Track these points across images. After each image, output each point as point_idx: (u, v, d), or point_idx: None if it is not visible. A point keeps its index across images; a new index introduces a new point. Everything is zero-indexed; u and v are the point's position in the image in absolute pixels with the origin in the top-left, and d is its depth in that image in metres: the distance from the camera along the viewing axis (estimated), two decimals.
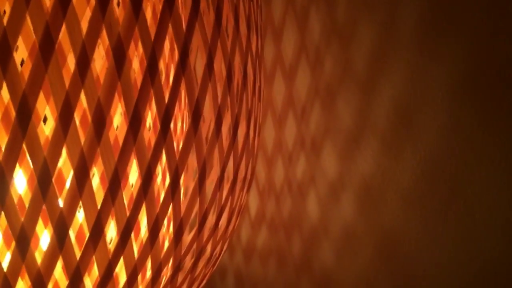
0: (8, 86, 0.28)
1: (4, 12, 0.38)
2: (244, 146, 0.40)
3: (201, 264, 0.40)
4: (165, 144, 0.33)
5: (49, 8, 0.29)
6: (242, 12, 0.39)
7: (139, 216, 0.42)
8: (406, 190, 0.46)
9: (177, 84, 0.33)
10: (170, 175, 0.34)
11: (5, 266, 0.30)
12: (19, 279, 0.36)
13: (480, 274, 0.43)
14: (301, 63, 0.53)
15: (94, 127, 0.30)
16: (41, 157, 0.29)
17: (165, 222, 0.42)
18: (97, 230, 0.32)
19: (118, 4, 0.42)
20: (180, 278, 0.39)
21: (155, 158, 0.33)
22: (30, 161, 0.30)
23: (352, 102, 0.49)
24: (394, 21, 0.46)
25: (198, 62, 0.37)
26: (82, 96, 0.30)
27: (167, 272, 0.38)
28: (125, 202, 0.41)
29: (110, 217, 0.33)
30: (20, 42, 0.42)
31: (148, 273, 0.37)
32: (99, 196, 0.32)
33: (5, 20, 0.28)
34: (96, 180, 0.43)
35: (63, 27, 0.29)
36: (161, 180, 0.44)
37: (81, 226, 0.42)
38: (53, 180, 0.30)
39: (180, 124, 0.46)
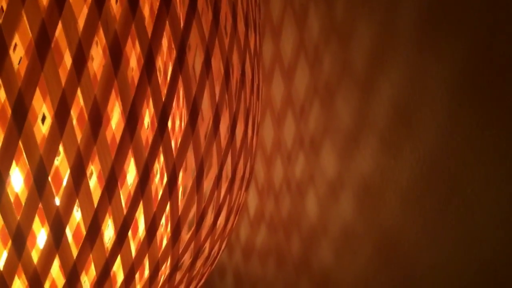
0: (4, 84, 0.28)
1: (2, 8, 0.38)
2: (242, 145, 0.40)
3: (199, 263, 0.40)
4: (162, 142, 0.33)
5: (45, 6, 0.29)
6: (240, 10, 0.39)
7: (137, 215, 0.42)
8: (405, 189, 0.46)
9: (174, 82, 0.33)
10: (167, 173, 0.34)
11: (1, 265, 0.30)
12: (16, 278, 0.36)
13: (479, 273, 0.43)
14: (300, 62, 0.53)
15: (91, 125, 0.30)
16: (37, 155, 0.29)
17: (164, 220, 0.41)
18: (94, 229, 0.31)
19: (116, 1, 0.41)
20: (178, 277, 0.39)
21: (152, 156, 0.33)
22: (26, 159, 0.29)
23: (351, 101, 0.49)
24: (393, 19, 0.46)
25: (197, 60, 0.37)
26: (80, 94, 0.30)
27: (165, 271, 0.38)
28: (123, 200, 0.41)
29: (107, 215, 0.33)
30: (18, 41, 0.42)
31: (146, 272, 0.37)
32: (97, 194, 0.32)
33: (0, 17, 0.28)
34: (94, 178, 0.43)
35: (59, 25, 0.29)
36: (159, 178, 0.44)
37: (78, 225, 0.42)
38: (49, 178, 0.30)
39: (178, 122, 0.46)
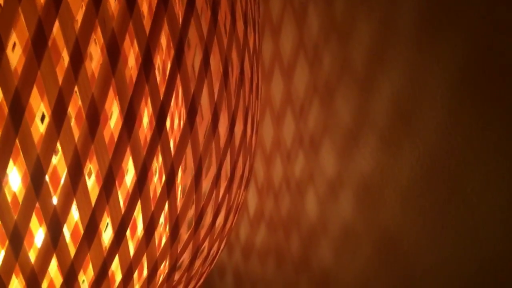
0: (0, 82, 0.28)
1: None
2: (241, 144, 0.40)
3: (198, 262, 0.40)
4: (160, 141, 0.33)
5: (42, 4, 0.29)
6: (239, 8, 0.39)
7: (136, 214, 0.41)
8: (405, 188, 0.46)
9: (172, 80, 0.33)
10: (165, 172, 0.34)
11: None
12: (15, 277, 0.36)
13: (479, 272, 0.43)
14: (299, 60, 0.53)
15: (88, 124, 0.30)
16: (34, 154, 0.29)
17: (162, 220, 0.41)
18: (92, 228, 0.31)
19: None
20: (176, 276, 0.39)
21: (150, 155, 0.33)
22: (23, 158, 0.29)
23: (351, 100, 0.49)
24: (393, 18, 0.46)
25: (197, 58, 0.37)
26: (77, 93, 0.30)
27: (164, 270, 0.38)
28: (121, 200, 0.41)
29: (106, 215, 0.33)
30: (16, 40, 0.42)
31: (145, 271, 0.37)
32: (95, 193, 0.31)
33: None
34: (92, 178, 0.43)
35: (56, 23, 0.29)
36: (158, 178, 0.44)
37: (76, 224, 0.42)
38: (46, 177, 0.30)
39: (177, 121, 0.45)
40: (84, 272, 0.39)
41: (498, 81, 0.41)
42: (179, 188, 0.46)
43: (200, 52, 0.35)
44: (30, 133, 0.29)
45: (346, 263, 0.51)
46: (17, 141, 0.29)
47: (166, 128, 0.33)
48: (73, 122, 0.41)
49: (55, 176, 0.42)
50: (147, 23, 0.33)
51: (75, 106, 0.41)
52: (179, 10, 0.38)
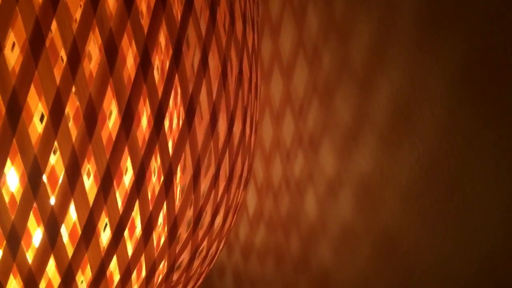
0: None
1: None
2: (240, 143, 0.40)
3: (196, 262, 0.40)
4: (158, 141, 0.33)
5: (40, 3, 0.29)
6: (237, 8, 0.38)
7: (135, 215, 0.41)
8: (404, 187, 0.46)
9: (170, 80, 0.33)
10: (163, 172, 0.34)
11: None
12: (13, 278, 0.36)
13: (479, 272, 0.43)
14: (299, 60, 0.53)
15: (86, 124, 0.30)
16: (32, 154, 0.29)
17: (161, 220, 0.41)
18: (89, 229, 0.31)
19: None
20: (175, 277, 0.38)
21: (148, 155, 0.32)
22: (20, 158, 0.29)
23: (350, 99, 0.49)
24: (393, 17, 0.46)
25: (196, 58, 0.37)
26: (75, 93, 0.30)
27: (162, 270, 0.38)
28: (120, 200, 0.41)
29: (104, 215, 0.32)
30: (16, 40, 0.42)
31: (144, 271, 0.37)
32: (93, 194, 0.31)
33: None
34: (91, 178, 0.43)
35: (54, 23, 0.29)
36: (157, 178, 0.44)
37: (74, 225, 0.42)
38: (43, 177, 0.30)
39: (176, 121, 0.45)
40: (83, 273, 0.39)
41: (497, 81, 0.41)
42: (178, 188, 0.46)
43: (199, 51, 0.35)
44: (28, 133, 0.29)
45: (345, 263, 0.51)
46: (14, 140, 0.28)
47: (164, 128, 0.33)
48: (71, 122, 0.40)
49: (53, 176, 0.42)
50: (146, 22, 0.33)
51: (73, 106, 0.41)
52: (177, 10, 0.38)
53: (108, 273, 0.38)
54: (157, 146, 0.33)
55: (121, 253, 0.33)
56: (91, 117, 0.30)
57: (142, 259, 0.35)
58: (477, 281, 0.43)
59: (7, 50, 0.42)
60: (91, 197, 0.31)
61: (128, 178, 0.43)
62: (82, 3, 0.40)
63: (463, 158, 0.43)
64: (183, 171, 0.45)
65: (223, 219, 0.41)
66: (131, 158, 0.32)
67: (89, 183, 0.42)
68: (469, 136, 0.42)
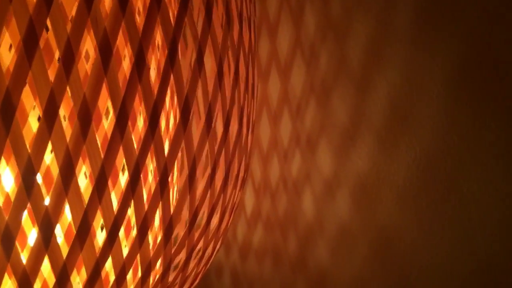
0: None
1: None
2: (236, 143, 0.40)
3: (192, 263, 0.40)
4: (153, 141, 0.33)
5: (34, 3, 0.29)
6: (234, 7, 0.38)
7: (131, 215, 0.41)
8: (401, 187, 0.46)
9: (165, 80, 0.33)
10: (159, 172, 0.34)
11: None
12: (8, 278, 0.36)
13: (476, 272, 0.43)
14: (296, 60, 0.53)
15: (80, 124, 0.30)
16: (26, 154, 0.29)
17: (158, 220, 0.41)
18: (84, 229, 0.31)
19: None
20: (171, 277, 0.38)
21: (143, 155, 0.32)
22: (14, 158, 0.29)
23: (347, 99, 0.49)
24: (390, 17, 0.46)
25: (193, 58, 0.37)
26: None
27: (160, 270, 0.38)
28: (116, 199, 0.41)
29: (100, 216, 0.32)
30: (11, 40, 0.41)
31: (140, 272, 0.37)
32: (88, 194, 0.31)
33: None
34: (87, 178, 0.43)
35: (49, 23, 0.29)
36: (154, 178, 0.44)
37: (70, 225, 0.41)
38: (37, 177, 0.29)
39: (173, 121, 0.45)
40: (78, 273, 0.39)
41: (494, 80, 0.41)
42: (175, 188, 0.46)
43: (194, 51, 0.35)
44: (21, 133, 0.29)
45: (342, 263, 0.51)
46: (8, 140, 0.28)
47: (159, 128, 0.33)
48: (66, 122, 0.40)
49: (48, 176, 0.42)
50: (142, 22, 0.33)
51: (68, 106, 0.41)
52: (174, 10, 0.38)
53: (104, 273, 0.38)
54: (152, 146, 0.33)
55: (116, 253, 0.33)
56: (85, 117, 0.30)
57: (137, 259, 0.35)
58: (473, 280, 0.43)
59: (3, 50, 0.42)
60: (87, 197, 0.31)
61: (124, 178, 0.43)
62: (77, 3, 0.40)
63: (460, 158, 0.43)
64: (180, 171, 0.45)
65: (220, 219, 0.41)
66: (126, 158, 0.32)
67: (85, 183, 0.42)
68: (466, 136, 0.42)
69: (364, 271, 0.49)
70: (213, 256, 0.43)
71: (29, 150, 0.29)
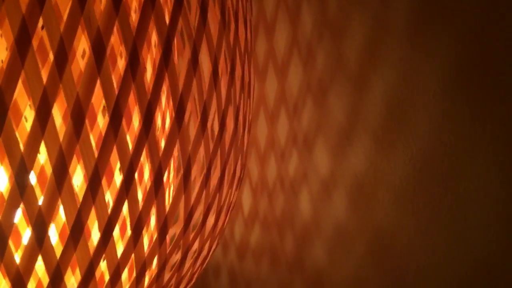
0: None
1: None
2: (232, 143, 0.40)
3: (188, 262, 0.40)
4: (147, 140, 0.33)
5: (27, 2, 0.28)
6: (229, 6, 0.38)
7: (126, 214, 0.41)
8: (398, 187, 0.46)
9: (159, 79, 0.33)
10: (153, 172, 0.33)
11: None
12: (2, 278, 0.36)
13: (472, 272, 0.43)
14: (293, 59, 0.52)
15: (73, 123, 0.30)
16: (18, 154, 0.29)
17: (154, 219, 0.41)
18: (77, 229, 0.31)
19: None
20: (166, 276, 0.38)
21: (137, 154, 0.32)
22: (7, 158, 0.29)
23: (344, 98, 0.49)
24: (386, 16, 0.45)
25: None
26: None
27: (155, 270, 0.38)
28: (111, 199, 0.40)
29: (94, 215, 0.32)
30: (5, 40, 0.41)
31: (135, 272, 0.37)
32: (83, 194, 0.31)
33: None
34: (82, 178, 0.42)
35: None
36: (149, 178, 0.43)
37: (64, 225, 0.41)
38: (32, 177, 0.29)
39: (169, 120, 0.45)
40: (73, 273, 0.39)
41: (491, 80, 0.41)
42: (171, 188, 0.46)
43: (189, 50, 0.35)
44: (14, 133, 0.29)
45: (339, 263, 0.51)
46: (0, 140, 0.28)
47: (153, 127, 0.33)
48: (60, 122, 0.40)
49: (42, 176, 0.41)
50: (135, 21, 0.33)
51: (62, 106, 0.41)
52: (169, 9, 0.38)
53: (99, 273, 0.38)
54: (146, 146, 0.33)
55: (110, 253, 0.33)
56: (79, 116, 0.30)
57: (132, 259, 0.35)
58: (470, 280, 0.43)
59: (0, 50, 0.42)
60: (81, 197, 0.31)
61: (119, 177, 0.43)
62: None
63: (456, 158, 0.42)
64: (177, 171, 0.44)
65: (216, 219, 0.41)
66: (119, 158, 0.32)
67: (80, 182, 0.42)
68: (462, 135, 0.42)
69: (361, 270, 0.49)
70: (209, 256, 0.43)
71: (22, 150, 0.29)
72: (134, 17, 0.41)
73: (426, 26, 0.43)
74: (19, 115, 0.40)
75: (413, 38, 0.44)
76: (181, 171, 0.35)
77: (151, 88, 0.33)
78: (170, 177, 0.46)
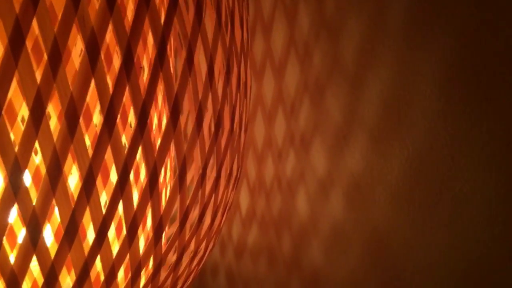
0: None
1: None
2: (228, 143, 0.40)
3: (184, 262, 0.39)
4: (142, 140, 0.32)
5: (20, 2, 0.28)
6: (225, 6, 0.38)
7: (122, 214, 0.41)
8: (394, 187, 0.46)
9: (154, 80, 0.33)
10: (148, 172, 0.33)
11: None
12: None
13: (469, 271, 0.43)
14: (290, 59, 0.52)
15: (67, 124, 0.30)
16: (12, 154, 0.29)
17: (150, 219, 0.41)
18: (72, 229, 0.31)
19: None
20: (162, 276, 0.38)
21: (132, 154, 0.32)
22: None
23: (341, 98, 0.49)
24: (383, 15, 0.45)
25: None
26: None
27: (151, 270, 0.38)
28: (107, 199, 0.40)
29: (89, 215, 0.32)
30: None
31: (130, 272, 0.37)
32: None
33: None
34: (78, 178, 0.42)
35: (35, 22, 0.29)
36: (145, 177, 0.43)
37: (60, 225, 0.41)
38: (26, 177, 0.29)
39: (165, 120, 0.45)
40: (69, 273, 0.39)
41: (487, 80, 0.41)
42: (168, 188, 0.46)
43: (184, 50, 0.35)
44: (8, 133, 0.28)
45: (336, 263, 0.51)
46: None
47: (148, 127, 0.32)
48: (55, 122, 0.40)
49: (37, 177, 0.41)
50: (130, 21, 0.33)
51: (57, 106, 0.41)
52: (164, 9, 0.38)
53: (94, 273, 0.38)
54: (141, 146, 0.33)
55: (105, 253, 0.33)
56: (73, 117, 0.30)
57: (128, 259, 0.35)
58: (466, 280, 0.43)
59: None
60: (75, 197, 0.31)
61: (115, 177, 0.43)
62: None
63: (452, 158, 0.42)
64: (174, 171, 0.44)
65: (212, 219, 0.41)
66: (114, 158, 0.32)
67: (75, 183, 0.42)
68: (458, 135, 0.42)
69: (358, 270, 0.49)
70: (205, 256, 0.43)
71: (16, 150, 0.29)
72: (129, 17, 0.41)
73: (423, 26, 0.43)
74: (13, 115, 0.40)
75: (409, 38, 0.44)
76: (177, 171, 0.35)
77: (145, 88, 0.32)
78: (167, 177, 0.46)
